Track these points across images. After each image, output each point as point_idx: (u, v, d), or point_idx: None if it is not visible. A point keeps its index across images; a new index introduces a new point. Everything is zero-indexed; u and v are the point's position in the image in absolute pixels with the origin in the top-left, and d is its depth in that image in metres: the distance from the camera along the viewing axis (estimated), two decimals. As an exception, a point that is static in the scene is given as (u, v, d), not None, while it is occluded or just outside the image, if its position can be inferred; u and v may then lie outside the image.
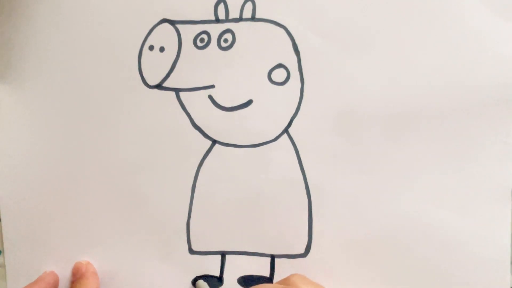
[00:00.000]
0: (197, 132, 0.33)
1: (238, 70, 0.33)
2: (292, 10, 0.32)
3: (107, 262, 0.34)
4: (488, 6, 0.32)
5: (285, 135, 0.33)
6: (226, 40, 0.32)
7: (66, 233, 0.34)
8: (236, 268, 0.33)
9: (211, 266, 0.33)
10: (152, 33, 0.32)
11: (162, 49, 0.32)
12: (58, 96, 0.33)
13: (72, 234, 0.34)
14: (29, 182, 0.33)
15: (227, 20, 0.32)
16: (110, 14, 0.32)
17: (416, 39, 0.32)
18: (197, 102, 0.33)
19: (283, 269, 0.33)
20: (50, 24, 0.33)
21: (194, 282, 0.33)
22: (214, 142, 0.33)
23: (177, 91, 0.33)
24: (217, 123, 0.33)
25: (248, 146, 0.33)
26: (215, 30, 0.32)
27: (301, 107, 0.33)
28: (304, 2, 0.32)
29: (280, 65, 0.33)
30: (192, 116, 0.33)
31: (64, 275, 0.34)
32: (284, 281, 0.30)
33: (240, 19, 0.32)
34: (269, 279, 0.33)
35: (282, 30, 0.32)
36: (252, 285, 0.33)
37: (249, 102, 0.33)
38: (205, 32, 0.32)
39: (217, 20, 0.32)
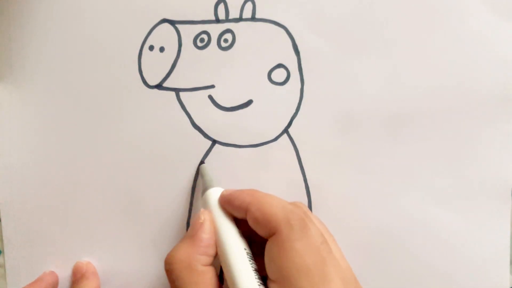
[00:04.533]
0: (197, 132, 0.33)
1: (238, 70, 0.33)
2: (292, 10, 0.32)
3: (107, 262, 0.34)
4: (489, 6, 0.32)
5: (285, 135, 0.33)
6: (226, 40, 0.32)
7: (66, 233, 0.34)
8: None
9: (211, 266, 0.33)
10: (152, 33, 0.32)
11: (162, 49, 0.32)
12: (58, 96, 0.33)
13: (72, 234, 0.34)
14: (29, 182, 0.33)
15: (227, 20, 0.32)
16: (110, 14, 0.32)
17: (416, 39, 0.32)
18: (197, 102, 0.33)
19: (283, 269, 0.33)
20: (50, 24, 0.33)
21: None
22: (214, 142, 0.33)
23: (177, 91, 0.33)
24: (217, 123, 0.33)
25: (248, 146, 0.33)
26: (215, 30, 0.32)
27: (301, 107, 0.33)
28: (304, 2, 0.32)
29: (280, 65, 0.33)
30: (192, 116, 0.33)
31: (64, 275, 0.34)
32: (294, 204, 0.30)
33: (240, 19, 0.32)
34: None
35: (282, 30, 0.32)
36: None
37: (249, 102, 0.33)
38: (205, 32, 0.32)
39: (217, 20, 0.32)
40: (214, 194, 0.30)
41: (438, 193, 0.33)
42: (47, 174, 0.33)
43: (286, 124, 0.33)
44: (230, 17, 0.32)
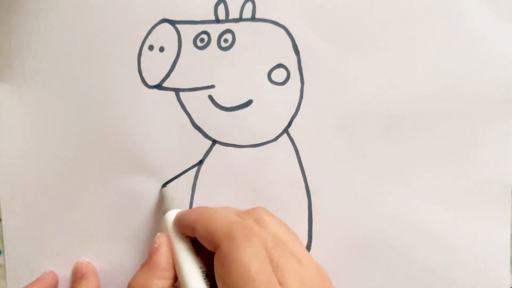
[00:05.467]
0: (197, 132, 0.33)
1: (238, 70, 0.33)
2: (292, 10, 0.32)
3: (107, 262, 0.34)
4: (489, 6, 0.32)
5: (285, 135, 0.33)
6: (226, 40, 0.32)
7: (66, 233, 0.34)
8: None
9: (211, 266, 0.33)
10: (152, 33, 0.32)
11: (162, 49, 0.32)
12: (58, 96, 0.33)
13: (72, 234, 0.34)
14: (29, 182, 0.33)
15: (227, 20, 0.32)
16: (110, 14, 0.32)
17: (416, 39, 0.32)
18: (197, 102, 0.33)
19: (283, 269, 0.33)
20: (49, 24, 0.33)
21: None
22: (214, 142, 0.33)
23: (177, 91, 0.33)
24: (217, 123, 0.33)
25: (248, 146, 0.33)
26: (215, 30, 0.32)
27: (301, 107, 0.33)
28: (304, 2, 0.32)
29: (280, 65, 0.33)
30: (192, 116, 0.33)
31: (64, 275, 0.34)
32: (248, 211, 0.30)
33: (240, 19, 0.32)
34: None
35: (282, 30, 0.32)
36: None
37: (249, 102, 0.33)
38: (205, 32, 0.32)
39: (217, 20, 0.32)
40: (171, 217, 0.30)
41: (438, 193, 0.33)
42: (47, 174, 0.33)
43: (286, 124, 0.33)
44: (230, 17, 0.32)
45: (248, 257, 0.24)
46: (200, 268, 0.27)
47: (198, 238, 0.27)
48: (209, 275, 0.27)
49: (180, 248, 0.28)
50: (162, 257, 0.28)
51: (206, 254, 0.28)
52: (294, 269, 0.25)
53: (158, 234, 0.29)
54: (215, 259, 0.25)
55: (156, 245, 0.28)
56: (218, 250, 0.25)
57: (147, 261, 0.28)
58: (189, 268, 0.27)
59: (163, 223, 0.30)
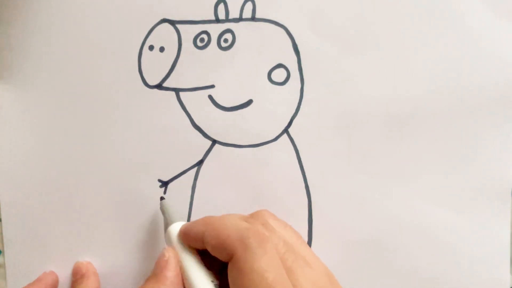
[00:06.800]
0: (197, 132, 0.33)
1: (238, 70, 0.33)
2: (292, 10, 0.32)
3: (107, 262, 0.34)
4: (488, 6, 0.32)
5: (285, 135, 0.33)
6: (226, 40, 0.32)
7: (66, 233, 0.34)
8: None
9: (211, 266, 0.33)
10: (152, 33, 0.32)
11: (162, 49, 0.32)
12: (58, 96, 0.33)
13: (72, 234, 0.34)
14: (29, 182, 0.33)
15: (227, 20, 0.32)
16: (110, 14, 0.32)
17: (416, 39, 0.32)
18: (197, 102, 0.33)
19: (283, 269, 0.33)
20: (50, 24, 0.33)
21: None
22: (214, 142, 0.33)
23: (177, 91, 0.33)
24: (217, 123, 0.33)
25: (248, 146, 0.33)
26: (215, 30, 0.32)
27: (301, 107, 0.33)
28: (304, 2, 0.32)
29: (280, 65, 0.33)
30: (192, 116, 0.33)
31: (64, 275, 0.34)
32: (253, 215, 0.30)
33: (240, 19, 0.32)
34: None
35: (282, 30, 0.32)
36: None
37: (249, 102, 0.33)
38: (205, 32, 0.32)
39: (217, 20, 0.32)
40: (175, 230, 0.29)
41: (439, 193, 0.33)
42: (48, 174, 0.33)
43: (286, 124, 0.33)
44: (230, 17, 0.32)
45: (265, 265, 0.24)
46: (212, 281, 0.26)
47: (208, 249, 0.26)
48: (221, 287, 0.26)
49: (189, 261, 0.27)
50: (171, 271, 0.27)
51: (215, 266, 0.27)
52: (306, 274, 0.25)
53: (167, 247, 0.28)
54: (229, 268, 0.25)
55: (165, 258, 0.27)
56: (233, 259, 0.25)
57: (156, 273, 0.27)
58: (200, 282, 0.26)
59: (167, 237, 0.29)
